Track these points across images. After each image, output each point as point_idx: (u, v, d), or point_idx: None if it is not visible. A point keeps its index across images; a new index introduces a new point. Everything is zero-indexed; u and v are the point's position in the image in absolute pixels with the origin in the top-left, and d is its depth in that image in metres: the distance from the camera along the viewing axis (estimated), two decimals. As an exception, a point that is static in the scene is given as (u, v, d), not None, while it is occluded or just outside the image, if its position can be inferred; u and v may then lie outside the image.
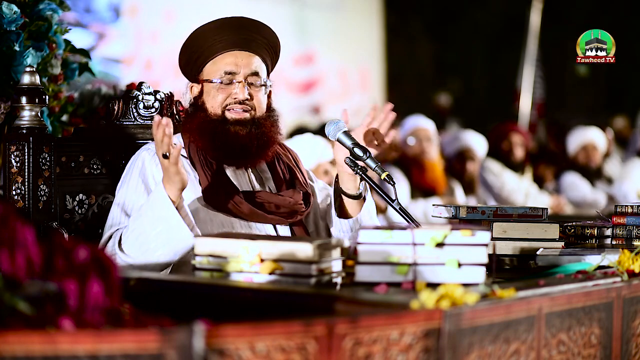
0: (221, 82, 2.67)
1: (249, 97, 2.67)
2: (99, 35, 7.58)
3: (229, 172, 2.68)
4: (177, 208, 2.45)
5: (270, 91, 2.75)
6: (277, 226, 2.68)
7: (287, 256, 2.09)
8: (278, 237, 2.54)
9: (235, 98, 2.66)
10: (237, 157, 2.68)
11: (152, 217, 2.45)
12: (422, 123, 5.89)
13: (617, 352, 2.22)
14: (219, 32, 2.69)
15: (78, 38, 3.35)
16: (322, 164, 4.32)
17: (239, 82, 2.67)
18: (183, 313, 1.71)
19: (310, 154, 4.23)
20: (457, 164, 6.16)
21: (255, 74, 2.69)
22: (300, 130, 5.54)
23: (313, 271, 2.06)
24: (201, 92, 2.71)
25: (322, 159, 4.36)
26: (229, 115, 2.67)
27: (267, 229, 2.67)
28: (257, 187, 2.72)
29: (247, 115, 2.67)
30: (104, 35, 7.85)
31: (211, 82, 2.68)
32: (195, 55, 2.72)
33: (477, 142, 6.25)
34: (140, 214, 2.49)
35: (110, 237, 2.55)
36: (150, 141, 2.83)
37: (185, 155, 2.67)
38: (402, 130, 5.87)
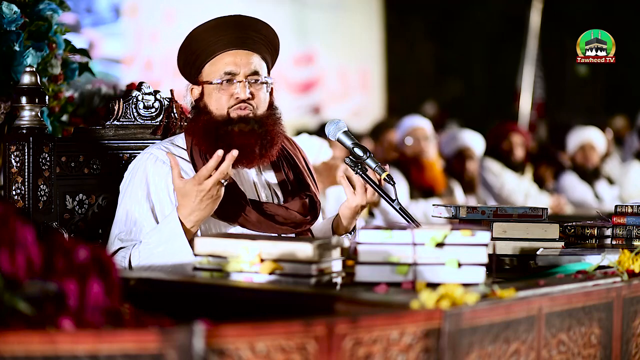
0: (221, 83, 2.64)
1: (250, 96, 2.64)
2: (89, 43, 7.58)
3: (232, 176, 2.66)
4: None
5: (272, 89, 2.73)
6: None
7: (287, 256, 2.09)
8: (278, 237, 2.53)
9: (237, 98, 2.64)
10: (241, 157, 2.64)
11: (166, 251, 2.45)
12: (419, 123, 5.89)
13: (617, 352, 2.22)
14: (216, 32, 2.66)
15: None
16: (317, 166, 4.31)
17: (240, 82, 2.64)
18: (183, 313, 1.71)
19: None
20: (456, 163, 6.17)
21: (255, 72, 2.67)
22: (299, 133, 5.54)
23: (313, 271, 2.06)
24: (202, 94, 2.69)
25: (317, 159, 4.36)
26: (234, 114, 2.64)
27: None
28: (262, 192, 2.70)
29: (249, 113, 2.65)
30: (94, 45, 7.85)
31: (211, 83, 2.65)
32: (193, 56, 2.69)
33: (475, 141, 6.25)
34: (152, 243, 2.49)
35: (118, 250, 2.55)
36: (151, 144, 2.83)
37: (188, 159, 2.65)
38: (399, 131, 5.88)
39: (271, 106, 2.71)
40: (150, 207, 2.58)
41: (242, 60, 2.66)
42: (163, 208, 2.57)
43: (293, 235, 2.66)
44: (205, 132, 2.62)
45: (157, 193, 2.58)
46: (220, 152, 2.37)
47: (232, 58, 2.66)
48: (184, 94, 2.75)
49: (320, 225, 2.82)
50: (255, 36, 2.70)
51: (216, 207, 2.44)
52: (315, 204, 2.73)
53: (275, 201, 2.71)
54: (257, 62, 2.69)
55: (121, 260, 2.50)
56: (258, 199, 2.66)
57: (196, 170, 2.59)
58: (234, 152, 2.38)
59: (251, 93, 2.65)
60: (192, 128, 2.67)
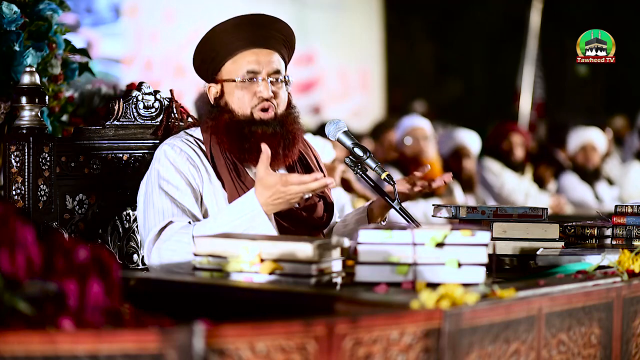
0: (243, 81, 2.64)
1: (272, 95, 2.65)
2: (89, 43, 7.59)
3: (252, 176, 2.65)
4: None
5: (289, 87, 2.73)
6: None
7: (287, 256, 2.09)
8: (279, 237, 2.53)
9: (260, 97, 2.64)
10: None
11: (244, 224, 2.42)
12: (418, 122, 5.89)
13: (617, 352, 2.22)
14: (236, 30, 2.66)
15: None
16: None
17: (263, 80, 2.65)
18: (183, 313, 1.71)
19: None
20: (453, 162, 6.17)
21: (277, 71, 2.68)
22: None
23: (313, 271, 2.06)
24: (222, 92, 2.68)
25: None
26: (257, 115, 2.64)
27: None
28: None
29: (271, 114, 2.65)
30: (93, 44, 7.85)
31: (233, 81, 2.65)
32: (212, 53, 2.68)
33: (470, 139, 6.25)
34: (228, 216, 2.45)
35: (167, 225, 2.51)
36: (151, 144, 2.82)
37: (205, 149, 2.64)
38: (399, 131, 5.88)
39: (289, 104, 2.72)
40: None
41: (264, 59, 2.66)
42: (183, 195, 2.57)
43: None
44: (229, 131, 2.62)
45: (177, 179, 2.58)
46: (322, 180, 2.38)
47: (254, 57, 2.66)
48: (201, 91, 2.74)
49: (352, 216, 2.84)
50: (276, 35, 2.70)
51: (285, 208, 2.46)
52: (329, 205, 2.73)
53: None
54: (277, 60, 2.69)
55: (177, 234, 2.47)
56: None
57: (213, 165, 2.61)
58: (318, 178, 2.38)
59: (273, 92, 2.65)
60: (213, 126, 2.66)
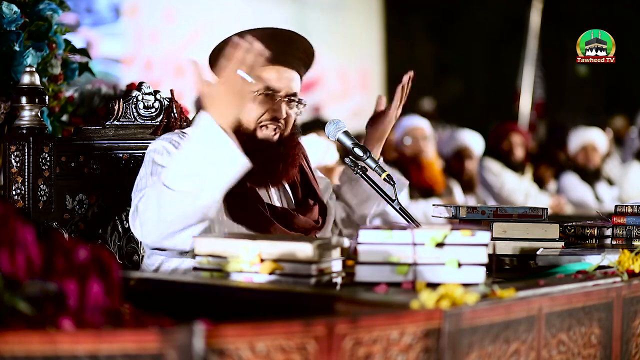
0: (261, 94, 2.57)
1: (285, 116, 2.61)
2: (89, 43, 7.59)
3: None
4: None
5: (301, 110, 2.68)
6: None
7: (287, 256, 2.09)
8: (279, 237, 2.53)
9: (273, 116, 2.59)
10: (264, 175, 2.61)
11: (203, 150, 2.27)
12: (417, 122, 5.89)
13: (617, 352, 2.22)
14: (265, 43, 2.41)
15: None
16: (319, 167, 4.31)
17: (281, 100, 2.60)
18: (183, 313, 1.71)
19: (312, 156, 4.23)
20: (455, 163, 6.17)
21: (294, 94, 2.63)
22: (314, 123, 5.52)
23: (313, 271, 2.06)
24: None
25: (322, 161, 4.36)
26: (261, 133, 2.59)
27: None
28: (273, 192, 2.69)
29: (277, 136, 2.61)
30: (93, 44, 7.86)
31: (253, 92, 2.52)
32: None
33: (473, 140, 6.26)
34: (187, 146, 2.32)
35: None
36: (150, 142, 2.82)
37: None
38: (398, 131, 5.88)
39: (294, 126, 2.68)
40: None
41: (286, 79, 2.62)
42: None
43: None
44: None
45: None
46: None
47: (276, 74, 2.61)
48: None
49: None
50: (300, 55, 2.65)
51: (244, 105, 2.33)
52: (324, 209, 2.73)
53: (286, 205, 2.71)
54: (297, 82, 2.65)
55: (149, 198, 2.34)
56: (271, 204, 2.66)
57: None
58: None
59: (286, 112, 2.61)
60: None
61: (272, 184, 2.66)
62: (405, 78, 2.83)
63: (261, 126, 2.60)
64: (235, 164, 2.28)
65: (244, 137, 2.54)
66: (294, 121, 2.68)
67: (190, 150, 2.29)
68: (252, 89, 2.35)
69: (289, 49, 2.62)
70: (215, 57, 2.59)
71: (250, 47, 2.28)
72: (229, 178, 2.29)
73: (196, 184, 2.27)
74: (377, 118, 2.92)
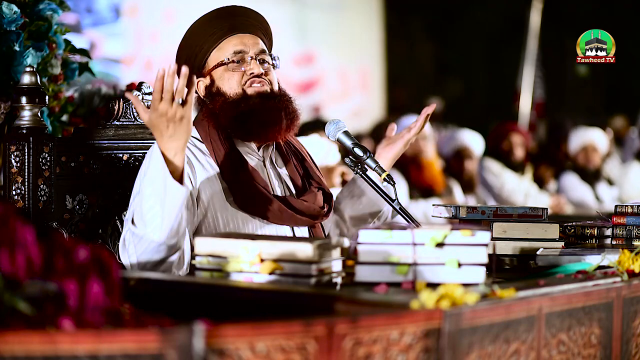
0: (232, 61, 2.65)
1: (264, 72, 2.66)
2: (90, 43, 7.59)
3: (254, 166, 2.63)
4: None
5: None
6: (295, 228, 2.65)
7: (287, 256, 2.09)
8: (278, 237, 2.53)
9: (251, 74, 2.64)
10: (268, 130, 2.63)
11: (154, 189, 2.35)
12: None
13: (617, 352, 2.22)
14: (217, 21, 2.68)
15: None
16: (321, 168, 4.30)
17: (252, 59, 2.66)
18: (183, 313, 1.71)
19: (314, 156, 4.22)
20: (455, 163, 6.17)
21: (264, 51, 2.70)
22: (315, 123, 5.52)
23: (313, 271, 2.06)
24: (212, 81, 2.67)
25: (323, 161, 4.35)
26: (250, 90, 2.64)
27: (285, 230, 2.63)
28: (276, 183, 2.69)
29: (266, 88, 2.65)
30: (94, 45, 7.85)
31: (223, 63, 2.65)
32: (197, 48, 2.69)
33: (473, 141, 6.26)
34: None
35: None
36: (151, 144, 2.82)
37: (200, 148, 2.63)
38: (398, 131, 5.87)
39: (280, 88, 2.71)
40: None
41: (249, 41, 2.69)
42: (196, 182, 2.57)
43: (305, 227, 2.66)
44: (225, 112, 2.61)
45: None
46: (161, 70, 2.29)
47: (239, 39, 2.69)
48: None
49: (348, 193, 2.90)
50: (253, 22, 2.73)
51: (189, 130, 2.34)
52: (329, 195, 2.73)
53: (288, 194, 2.71)
54: (260, 43, 2.72)
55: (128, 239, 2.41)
56: (273, 192, 2.66)
57: (216, 159, 2.59)
58: (184, 69, 2.30)
59: (263, 69, 2.66)
60: (207, 114, 2.64)
61: (277, 136, 2.66)
62: (432, 108, 2.85)
63: (247, 86, 2.65)
64: (174, 195, 2.32)
65: (237, 100, 2.61)
66: (279, 84, 2.71)
67: (143, 188, 2.38)
68: (185, 113, 2.34)
69: (241, 18, 2.71)
70: (181, 57, 2.72)
71: (162, 72, 2.30)
72: (172, 208, 2.34)
73: (155, 224, 2.34)
74: (391, 141, 2.92)
